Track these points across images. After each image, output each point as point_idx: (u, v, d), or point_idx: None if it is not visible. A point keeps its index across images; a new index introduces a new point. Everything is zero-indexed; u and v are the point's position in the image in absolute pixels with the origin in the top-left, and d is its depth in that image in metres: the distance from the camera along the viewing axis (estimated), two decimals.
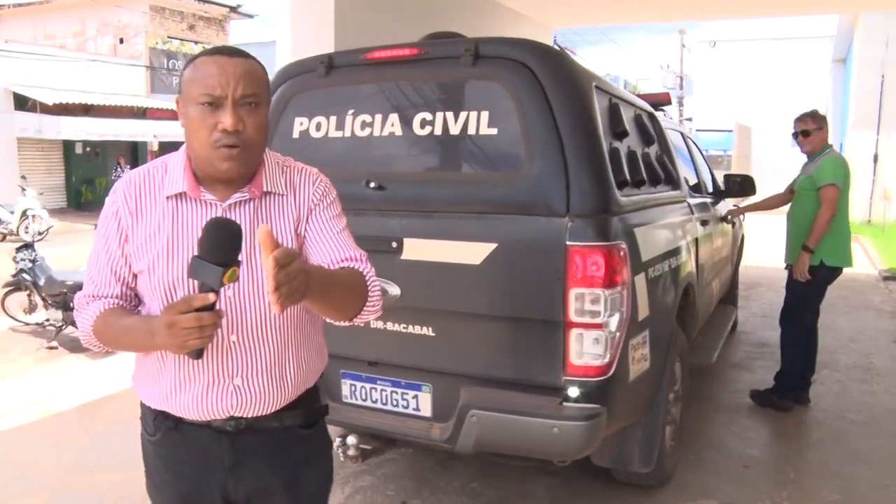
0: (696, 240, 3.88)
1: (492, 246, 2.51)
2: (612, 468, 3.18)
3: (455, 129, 2.64)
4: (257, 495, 1.57)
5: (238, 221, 1.39)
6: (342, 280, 1.47)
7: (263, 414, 1.53)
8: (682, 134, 4.89)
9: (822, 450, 3.91)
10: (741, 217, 5.91)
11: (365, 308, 1.52)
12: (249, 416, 1.52)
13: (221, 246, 1.29)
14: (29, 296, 6.92)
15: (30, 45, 19.67)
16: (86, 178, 20.43)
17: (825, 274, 4.33)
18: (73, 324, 6.39)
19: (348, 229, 1.60)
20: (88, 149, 20.45)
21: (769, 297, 7.97)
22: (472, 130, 2.61)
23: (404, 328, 2.71)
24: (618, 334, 2.48)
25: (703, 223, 4.19)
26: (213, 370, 1.48)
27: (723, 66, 27.08)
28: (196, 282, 1.31)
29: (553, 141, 2.46)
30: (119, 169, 18.74)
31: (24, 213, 14.02)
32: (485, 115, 2.59)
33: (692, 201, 4.06)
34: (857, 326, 6.79)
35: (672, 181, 3.65)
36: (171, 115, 21.35)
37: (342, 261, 1.52)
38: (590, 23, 14.62)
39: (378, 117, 2.80)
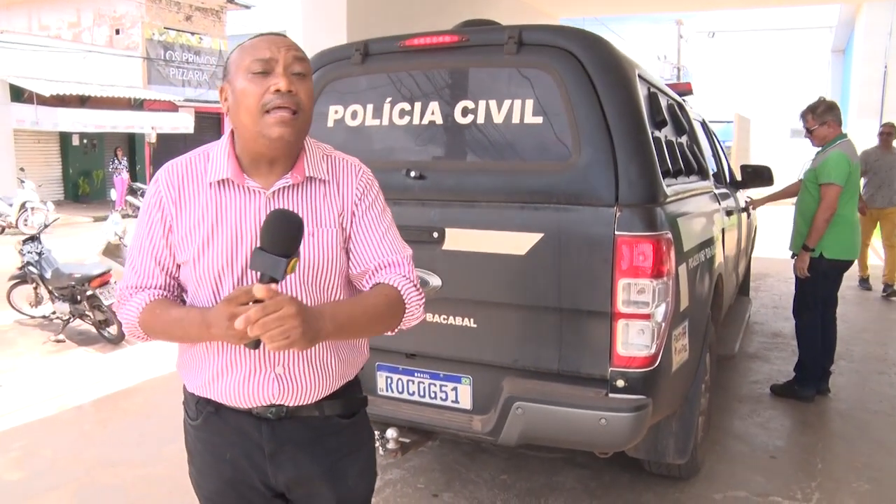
0: (723, 230, 3.86)
1: (537, 236, 2.48)
2: (645, 459, 3.17)
3: (498, 118, 2.61)
4: (297, 483, 1.57)
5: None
6: (369, 309, 1.45)
7: (304, 403, 1.52)
8: (702, 123, 4.86)
9: (848, 440, 3.90)
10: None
11: (405, 319, 1.52)
12: (291, 404, 1.51)
13: (286, 237, 1.30)
14: (35, 288, 6.84)
15: (25, 36, 19.45)
16: (83, 171, 20.27)
17: (827, 265, 4.31)
18: (81, 316, 6.33)
19: (394, 225, 1.59)
20: (85, 141, 20.28)
21: (778, 288, 7.99)
22: (516, 119, 2.57)
23: (444, 319, 2.67)
24: (664, 325, 2.46)
25: (728, 213, 4.17)
26: (255, 358, 1.47)
27: (721, 56, 27.04)
28: (256, 273, 1.31)
29: (601, 130, 2.43)
30: (116, 161, 18.57)
31: (22, 206, 13.92)
32: (529, 103, 2.55)
33: (717, 191, 4.04)
34: (868, 317, 6.81)
35: (701, 171, 3.62)
36: (168, 107, 21.24)
37: (385, 266, 1.52)
38: (593, 13, 14.57)
39: (417, 105, 2.76)
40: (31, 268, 6.66)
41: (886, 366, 5.27)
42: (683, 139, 3.40)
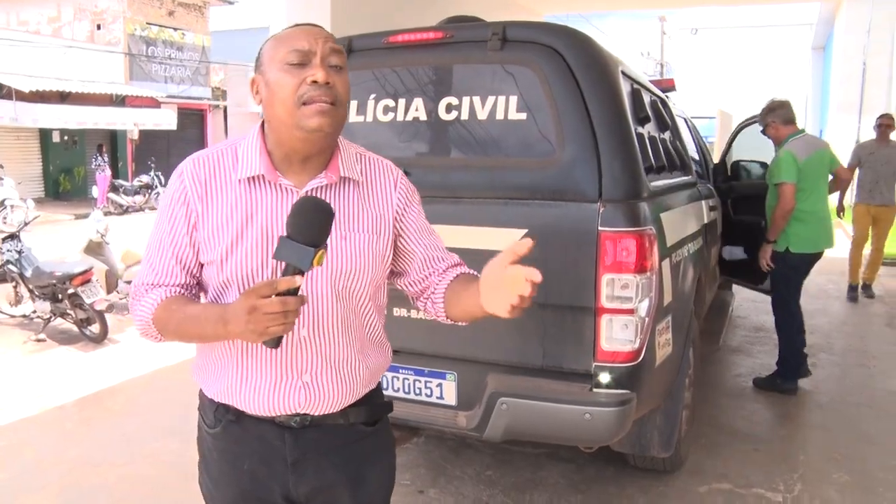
0: (705, 226, 3.89)
1: (521, 232, 2.48)
2: (629, 453, 3.19)
3: (482, 115, 2.61)
4: (319, 492, 1.51)
5: None
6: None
7: (329, 412, 1.47)
8: (685, 120, 4.90)
9: (829, 432, 3.95)
10: None
11: None
12: (316, 413, 1.46)
13: (315, 225, 1.24)
14: (15, 287, 6.75)
15: (3, 31, 19.15)
16: (64, 167, 20.01)
17: (796, 259, 4.39)
18: (62, 315, 6.26)
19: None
20: (66, 137, 20.03)
21: None
22: (500, 115, 2.58)
23: (428, 316, 2.67)
24: (647, 320, 2.47)
25: (711, 209, 4.21)
26: (282, 365, 1.42)
27: (704, 53, 27.25)
28: (282, 265, 1.25)
29: (584, 126, 2.44)
30: (98, 158, 18.37)
31: (1, 203, 13.72)
32: (513, 99, 2.55)
33: (700, 187, 4.08)
34: (849, 310, 6.88)
35: (685, 167, 3.65)
36: (150, 103, 21.00)
37: (450, 268, 1.54)
38: (576, 9, 14.60)
39: (401, 102, 2.75)
40: (10, 266, 6.57)
41: (866, 358, 5.34)
42: (666, 135, 3.42)
